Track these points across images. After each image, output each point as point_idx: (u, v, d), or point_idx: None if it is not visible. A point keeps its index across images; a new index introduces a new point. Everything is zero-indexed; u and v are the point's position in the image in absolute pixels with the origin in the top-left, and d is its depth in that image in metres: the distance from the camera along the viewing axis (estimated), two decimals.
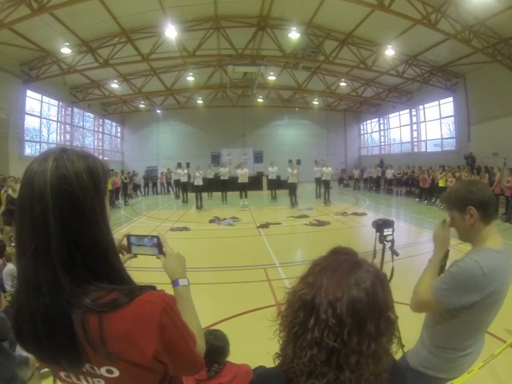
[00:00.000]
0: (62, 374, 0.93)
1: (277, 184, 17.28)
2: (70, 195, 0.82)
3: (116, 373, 0.87)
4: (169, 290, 1.09)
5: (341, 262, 0.89)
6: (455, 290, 1.59)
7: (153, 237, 1.20)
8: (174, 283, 1.15)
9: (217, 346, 2.16)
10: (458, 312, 1.64)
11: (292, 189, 14.89)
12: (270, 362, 0.97)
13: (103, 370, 0.87)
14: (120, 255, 1.21)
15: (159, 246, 1.19)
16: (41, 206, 0.81)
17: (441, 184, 14.50)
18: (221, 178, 16.80)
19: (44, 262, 0.81)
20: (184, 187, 16.74)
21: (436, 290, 1.64)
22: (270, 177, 16.50)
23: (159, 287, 0.95)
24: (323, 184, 15.69)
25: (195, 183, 14.83)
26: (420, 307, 1.78)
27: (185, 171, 16.34)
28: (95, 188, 0.87)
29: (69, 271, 0.82)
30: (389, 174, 20.56)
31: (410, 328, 2.20)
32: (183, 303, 1.10)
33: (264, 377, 0.98)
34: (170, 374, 0.96)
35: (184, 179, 16.31)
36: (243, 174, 15.02)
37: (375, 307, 0.81)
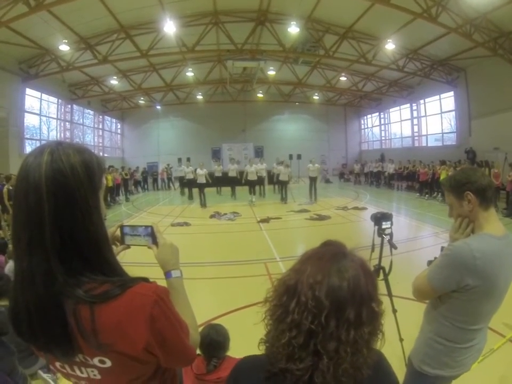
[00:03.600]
0: (57, 364, 0.95)
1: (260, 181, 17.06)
2: (64, 186, 0.84)
3: (108, 363, 0.88)
4: (162, 285, 1.10)
5: (326, 251, 0.91)
6: (444, 273, 1.60)
7: (147, 226, 1.19)
8: (167, 274, 1.15)
9: (218, 341, 2.17)
10: (450, 299, 1.65)
11: (284, 185, 14.98)
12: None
13: (95, 361, 0.88)
14: (114, 246, 1.21)
15: (152, 236, 1.18)
16: (36, 197, 0.82)
17: (442, 178, 14.45)
18: (229, 175, 16.82)
19: (38, 252, 0.83)
20: (190, 184, 16.71)
21: (429, 274, 1.66)
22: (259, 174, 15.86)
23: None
24: (310, 181, 15.49)
25: (198, 181, 14.83)
26: (417, 293, 1.79)
27: (190, 168, 16.31)
28: (90, 181, 0.89)
29: (62, 262, 0.83)
30: (391, 168, 20.51)
31: (410, 322, 2.20)
32: (175, 294, 1.10)
33: (248, 362, 0.99)
34: (163, 365, 0.97)
35: (189, 176, 16.30)
36: (252, 172, 15.01)
37: (356, 294, 0.82)
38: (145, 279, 0.93)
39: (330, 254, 0.89)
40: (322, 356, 0.79)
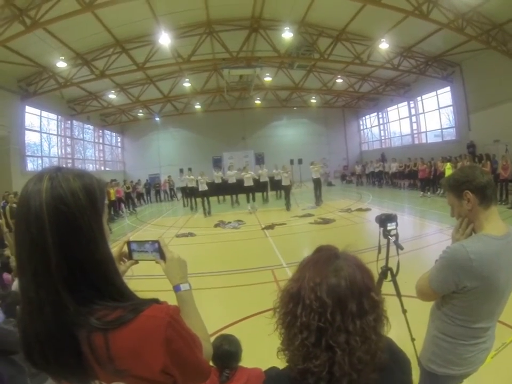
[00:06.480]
0: None
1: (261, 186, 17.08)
2: (66, 214, 0.82)
3: None
4: (172, 296, 1.10)
5: (320, 256, 0.98)
6: (442, 275, 1.61)
7: (154, 242, 1.19)
8: (176, 288, 1.15)
9: (230, 352, 2.15)
10: (452, 299, 1.65)
11: (286, 191, 14.87)
12: (281, 363, 1.00)
13: None
14: (122, 262, 1.22)
15: (160, 251, 1.19)
16: (38, 227, 0.80)
17: (447, 175, 14.36)
18: (229, 182, 16.80)
19: (45, 282, 0.81)
20: (192, 193, 16.73)
21: (430, 276, 1.68)
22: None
23: (161, 294, 0.95)
24: (313, 183, 15.47)
25: (200, 189, 14.87)
26: (420, 294, 1.80)
27: (192, 177, 16.35)
28: (92, 206, 0.87)
29: (71, 291, 0.82)
30: (393, 167, 20.49)
31: (421, 321, 2.19)
32: (185, 307, 1.11)
33: (274, 377, 1.05)
34: None
35: (191, 184, 16.34)
36: (248, 178, 15.01)
37: (354, 288, 0.89)
38: (156, 300, 0.91)
39: (324, 258, 0.96)
40: (336, 349, 0.85)
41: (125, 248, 1.23)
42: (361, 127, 30.41)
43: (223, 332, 3.08)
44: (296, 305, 0.90)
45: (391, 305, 1.03)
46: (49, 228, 0.80)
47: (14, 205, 9.17)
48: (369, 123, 28.99)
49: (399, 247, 2.84)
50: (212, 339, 2.11)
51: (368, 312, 0.88)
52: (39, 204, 0.81)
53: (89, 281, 0.85)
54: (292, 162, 21.42)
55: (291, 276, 1.00)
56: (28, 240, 0.82)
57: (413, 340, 2.89)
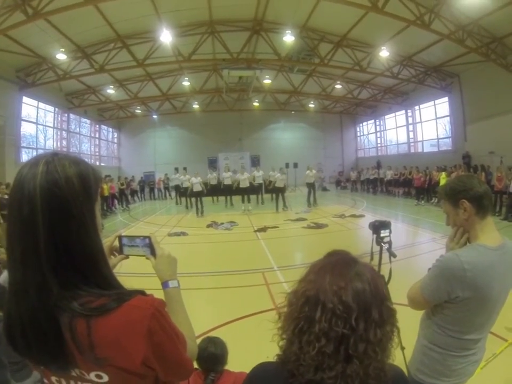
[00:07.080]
0: (53, 379, 0.92)
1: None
2: (59, 198, 0.82)
3: (105, 378, 0.86)
4: (159, 296, 1.07)
5: (337, 260, 0.94)
6: (435, 284, 1.59)
7: (145, 237, 1.19)
8: (164, 285, 1.15)
9: (216, 355, 2.13)
10: (443, 309, 1.63)
11: (278, 193, 14.84)
12: None
13: (92, 376, 0.86)
14: (112, 256, 1.21)
15: (150, 247, 1.18)
16: (30, 208, 0.80)
17: (442, 184, 14.44)
18: (224, 183, 16.75)
19: (32, 264, 0.81)
20: (186, 192, 16.70)
21: (422, 285, 1.66)
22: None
23: (149, 292, 0.93)
24: (307, 187, 15.51)
25: (194, 189, 14.83)
26: (411, 303, 1.78)
27: (187, 176, 16.30)
28: (85, 193, 0.87)
29: (57, 274, 0.82)
30: (389, 175, 20.57)
31: (411, 329, 2.17)
32: (173, 304, 1.10)
33: (264, 370, 0.98)
34: (161, 379, 0.94)
35: (186, 185, 16.30)
36: (243, 180, 14.96)
37: (377, 295, 0.86)
38: (142, 292, 0.90)
39: (343, 262, 0.92)
40: (352, 360, 0.81)
41: (116, 243, 1.22)
42: (358, 134, 30.51)
43: (210, 334, 3.04)
44: (314, 310, 0.85)
45: None
46: (41, 211, 0.81)
47: (6, 196, 9.04)
48: (366, 130, 29.11)
49: (392, 254, 2.82)
50: (198, 341, 2.08)
51: (385, 322, 0.86)
52: (33, 186, 0.81)
53: (76, 266, 0.85)
54: (287, 165, 21.45)
55: (301, 277, 0.95)
56: (18, 222, 0.82)
57: (402, 348, 2.86)
